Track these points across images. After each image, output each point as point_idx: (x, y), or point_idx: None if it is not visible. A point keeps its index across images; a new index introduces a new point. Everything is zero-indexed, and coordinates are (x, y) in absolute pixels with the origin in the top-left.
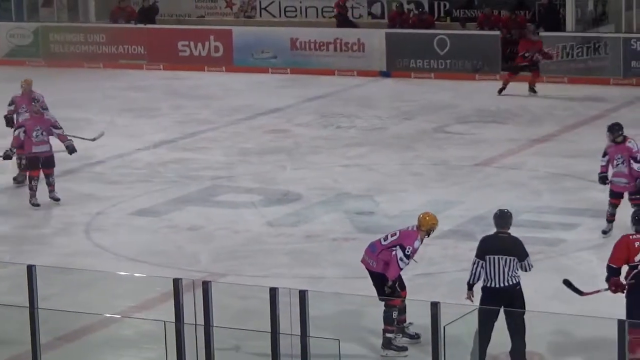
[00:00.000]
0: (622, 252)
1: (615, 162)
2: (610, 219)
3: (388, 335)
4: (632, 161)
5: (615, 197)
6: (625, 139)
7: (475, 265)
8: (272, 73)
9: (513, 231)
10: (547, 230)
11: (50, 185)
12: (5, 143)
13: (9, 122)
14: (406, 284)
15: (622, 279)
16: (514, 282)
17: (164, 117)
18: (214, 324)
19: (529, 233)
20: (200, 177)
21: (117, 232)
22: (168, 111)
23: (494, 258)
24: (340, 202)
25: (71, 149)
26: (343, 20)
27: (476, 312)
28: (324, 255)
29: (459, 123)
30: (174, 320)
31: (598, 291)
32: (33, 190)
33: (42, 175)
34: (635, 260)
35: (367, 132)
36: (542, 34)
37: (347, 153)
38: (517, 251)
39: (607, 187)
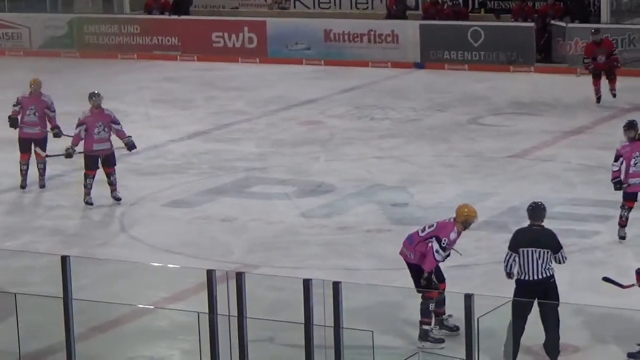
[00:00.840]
0: None
1: (633, 160)
2: (624, 223)
3: (425, 327)
4: None
5: (631, 199)
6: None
7: (507, 257)
8: (305, 64)
9: (547, 223)
10: (581, 222)
11: (112, 184)
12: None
13: (14, 122)
14: None
15: None
16: (548, 274)
17: (198, 109)
18: (248, 316)
19: (562, 225)
20: (233, 168)
21: (151, 223)
22: (202, 102)
23: (527, 251)
24: (374, 193)
25: (131, 145)
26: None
27: (510, 304)
28: (357, 246)
29: (493, 115)
30: (208, 312)
31: (633, 285)
32: (88, 188)
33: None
34: None
35: (400, 124)
36: (571, 25)
37: (380, 144)
38: (551, 243)
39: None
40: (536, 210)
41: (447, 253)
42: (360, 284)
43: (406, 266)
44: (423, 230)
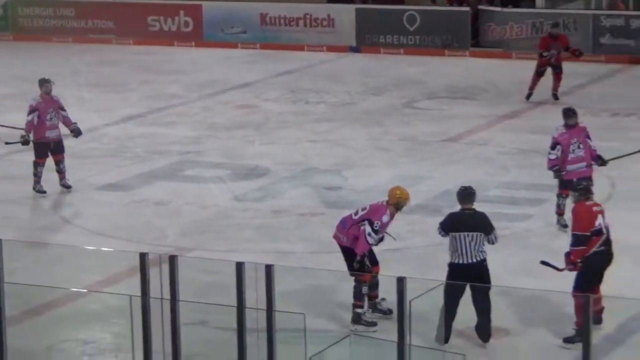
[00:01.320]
0: (584, 219)
1: (571, 147)
2: (562, 212)
3: (357, 310)
4: (588, 140)
5: (567, 187)
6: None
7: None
8: (241, 48)
9: (481, 207)
10: (514, 206)
11: (61, 172)
12: None
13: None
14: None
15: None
16: (481, 258)
17: (133, 92)
18: (180, 299)
19: (496, 209)
20: (168, 152)
21: (85, 207)
22: (137, 86)
23: (461, 235)
24: (308, 177)
25: (77, 132)
26: None
27: (442, 288)
28: (291, 230)
29: (428, 99)
30: (140, 295)
31: (561, 269)
32: (38, 177)
33: None
34: (596, 225)
35: (335, 108)
36: (506, 10)
37: (315, 128)
38: (483, 226)
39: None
40: (466, 194)
41: (380, 236)
42: (293, 267)
43: (339, 250)
44: (356, 213)
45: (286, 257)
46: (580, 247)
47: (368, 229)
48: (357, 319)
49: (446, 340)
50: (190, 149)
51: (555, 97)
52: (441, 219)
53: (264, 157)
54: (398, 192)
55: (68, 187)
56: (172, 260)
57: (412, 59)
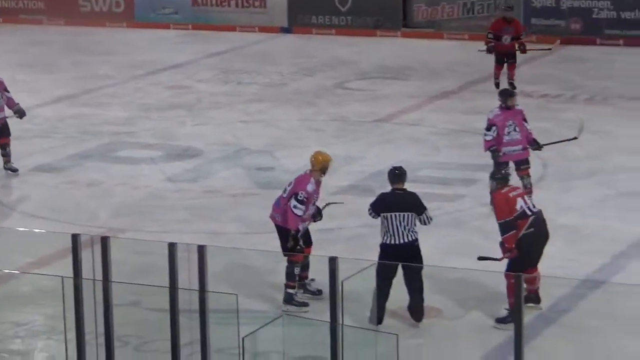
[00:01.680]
0: (504, 207)
1: (506, 129)
2: None
3: (289, 290)
4: (525, 123)
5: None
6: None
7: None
8: (173, 29)
9: (412, 187)
10: (446, 186)
11: (7, 155)
12: None
13: None
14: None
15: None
16: (413, 238)
17: (64, 73)
18: (113, 280)
19: (427, 189)
20: (100, 133)
21: (17, 188)
22: (68, 67)
23: (392, 215)
24: (240, 157)
25: (22, 113)
26: None
27: (374, 268)
28: (223, 210)
29: (360, 79)
30: (73, 276)
31: (499, 259)
32: None
33: None
34: (518, 209)
35: (267, 88)
36: None
37: (247, 109)
38: (414, 205)
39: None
40: (396, 174)
41: (313, 209)
42: (225, 247)
43: (273, 230)
44: (285, 191)
45: (218, 237)
46: (510, 233)
47: (293, 202)
48: (289, 300)
49: (380, 321)
50: (122, 130)
51: (512, 86)
52: (373, 199)
53: (196, 138)
54: (320, 156)
55: (14, 170)
56: (104, 241)
57: (343, 39)
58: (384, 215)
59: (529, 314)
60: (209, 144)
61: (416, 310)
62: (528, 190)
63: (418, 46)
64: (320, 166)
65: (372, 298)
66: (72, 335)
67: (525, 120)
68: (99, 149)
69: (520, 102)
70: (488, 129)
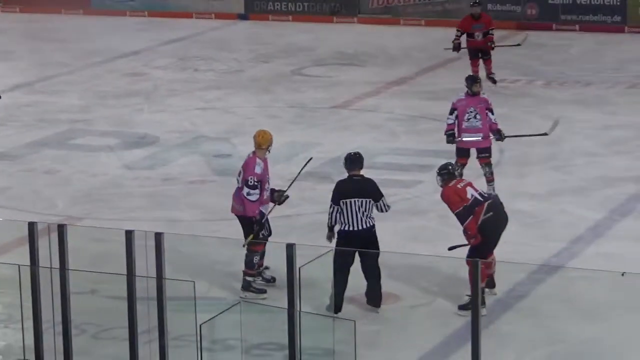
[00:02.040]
0: (455, 199)
1: (466, 116)
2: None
3: (248, 278)
4: (489, 113)
5: (463, 155)
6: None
7: (331, 210)
8: (129, 16)
9: (370, 173)
10: (404, 172)
11: None
12: None
13: None
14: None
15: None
16: (370, 224)
17: (21, 60)
18: (70, 268)
19: (385, 175)
20: (57, 121)
21: None
22: (24, 54)
23: (349, 202)
24: (198, 144)
25: None
26: None
27: (331, 255)
28: (180, 198)
29: (317, 65)
30: (30, 264)
31: (466, 245)
32: None
33: None
34: (470, 197)
35: (224, 75)
36: None
37: (204, 96)
38: (372, 192)
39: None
40: (353, 160)
41: (267, 190)
42: (182, 235)
43: (231, 217)
44: (238, 181)
45: (176, 225)
46: (469, 220)
47: (245, 189)
48: (247, 286)
49: (339, 309)
50: (79, 118)
51: (493, 80)
52: (330, 185)
53: (153, 125)
54: (259, 136)
55: None
56: (61, 229)
57: (300, 25)
58: (342, 202)
59: (487, 299)
60: (166, 132)
61: (374, 296)
62: (488, 179)
63: (375, 32)
64: (268, 144)
65: (332, 287)
66: (29, 323)
67: (489, 109)
68: (56, 136)
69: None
70: (450, 112)
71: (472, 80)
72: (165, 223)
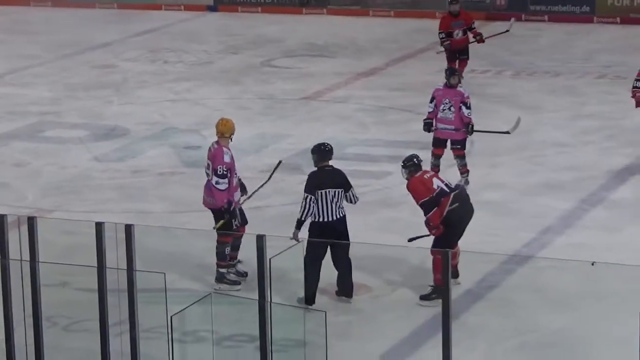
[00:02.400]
0: (421, 189)
1: (442, 106)
2: (435, 170)
3: (221, 270)
4: (462, 107)
5: (438, 145)
6: (457, 84)
7: (306, 201)
8: (99, 8)
9: (340, 164)
10: (374, 163)
11: None
12: None
13: None
14: None
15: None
16: (342, 215)
17: None
18: (40, 260)
19: (355, 166)
20: (26, 113)
21: None
22: None
23: (324, 192)
24: (168, 136)
25: None
26: None
27: (301, 245)
28: (151, 190)
29: (286, 57)
30: None
31: (427, 235)
32: None
33: None
34: (436, 188)
35: (194, 67)
36: None
37: (174, 88)
38: (342, 182)
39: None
40: (325, 152)
41: (236, 178)
42: (153, 226)
43: (202, 209)
44: (207, 174)
45: (146, 217)
46: (433, 211)
47: (215, 178)
48: (220, 278)
49: (312, 302)
50: (48, 110)
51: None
52: (300, 177)
53: (123, 117)
54: (219, 125)
55: None
56: (32, 221)
57: (270, 17)
58: (318, 192)
59: (456, 290)
60: (136, 123)
61: (345, 287)
62: (461, 170)
63: (344, 23)
64: (230, 132)
65: (305, 279)
66: None
67: (464, 103)
68: (25, 129)
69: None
70: (430, 101)
71: (450, 73)
72: (135, 215)
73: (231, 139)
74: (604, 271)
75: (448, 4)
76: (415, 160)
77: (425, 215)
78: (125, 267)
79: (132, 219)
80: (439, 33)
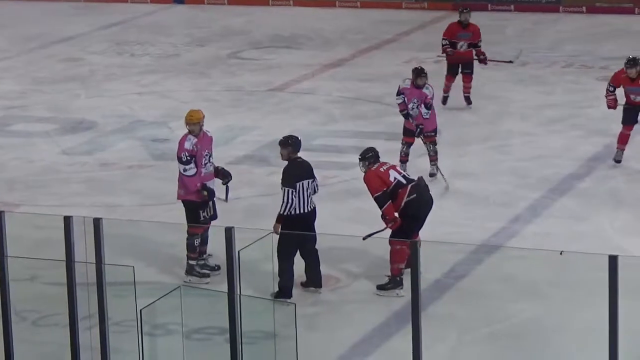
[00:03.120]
0: (376, 182)
1: (410, 104)
2: (404, 159)
3: (191, 262)
4: (422, 106)
5: (409, 135)
6: (424, 84)
7: (288, 195)
8: (65, 1)
9: (308, 156)
10: (342, 154)
11: None
12: None
13: None
14: None
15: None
16: (314, 205)
17: None
18: (9, 255)
19: (324, 157)
20: None
21: None
22: None
23: (302, 184)
24: (135, 129)
25: None
26: None
27: (269, 237)
28: (119, 183)
29: (253, 49)
30: None
31: (383, 230)
32: None
33: None
34: (392, 180)
35: (161, 59)
36: None
37: (141, 80)
38: (312, 173)
39: (397, 103)
40: (297, 143)
41: (206, 166)
42: (121, 220)
43: (170, 202)
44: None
45: (115, 210)
46: (387, 204)
47: (180, 167)
48: (190, 271)
49: (290, 295)
50: (15, 104)
51: (469, 100)
52: (268, 169)
53: (90, 110)
54: (189, 112)
55: None
56: None
57: (236, 9)
58: (298, 184)
59: (425, 280)
60: (103, 117)
61: (314, 278)
62: (432, 158)
63: (310, 14)
64: (194, 120)
65: (279, 273)
66: None
67: (426, 104)
68: None
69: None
70: (397, 94)
71: (417, 73)
72: (103, 208)
73: (201, 127)
74: (572, 260)
75: (459, 12)
76: (371, 152)
77: (380, 208)
78: (94, 261)
79: (101, 213)
80: (443, 39)
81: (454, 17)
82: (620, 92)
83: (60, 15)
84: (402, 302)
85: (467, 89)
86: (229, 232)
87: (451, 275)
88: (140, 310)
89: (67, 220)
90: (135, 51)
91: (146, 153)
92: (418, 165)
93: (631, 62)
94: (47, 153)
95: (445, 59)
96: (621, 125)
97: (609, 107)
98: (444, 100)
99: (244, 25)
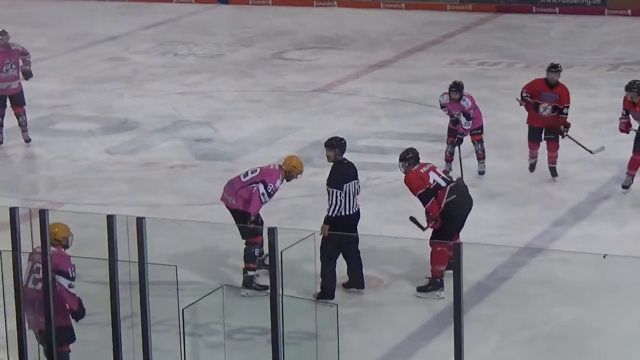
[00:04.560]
0: (418, 183)
1: (454, 114)
2: (449, 158)
3: (250, 273)
4: (462, 117)
5: (454, 135)
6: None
7: (336, 197)
8: (109, 0)
9: (352, 157)
10: (385, 155)
11: (22, 125)
12: None
13: None
14: None
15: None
16: (358, 206)
17: None
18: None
19: (367, 158)
20: (37, 106)
21: None
22: None
23: (349, 185)
24: (179, 129)
25: (28, 74)
26: None
27: (312, 237)
28: (162, 182)
29: (297, 49)
30: (11, 250)
31: (425, 228)
32: None
33: None
34: (431, 182)
35: (205, 59)
36: None
37: (185, 80)
38: (357, 175)
39: (444, 112)
40: (343, 145)
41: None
42: (164, 219)
43: (213, 202)
44: (245, 175)
45: (157, 209)
46: (432, 201)
47: (262, 189)
48: (248, 283)
49: (332, 296)
50: (59, 103)
51: (554, 172)
52: (312, 169)
53: (134, 110)
54: (294, 162)
55: (28, 140)
56: (43, 214)
57: (280, 9)
58: (346, 185)
59: (467, 283)
60: (147, 116)
61: (356, 279)
62: (479, 156)
63: (355, 16)
64: (287, 168)
65: (321, 275)
66: (10, 309)
67: (466, 115)
68: (36, 122)
69: (458, 70)
70: (441, 107)
71: (449, 90)
72: (146, 208)
73: (286, 178)
74: (616, 263)
75: (547, 69)
76: (411, 153)
77: (423, 206)
78: (137, 260)
79: (143, 212)
80: (522, 92)
81: (498, 20)
82: None
83: (103, 14)
84: (443, 304)
85: (552, 159)
86: (271, 233)
87: (493, 278)
88: (183, 310)
89: (110, 219)
90: (179, 51)
91: (189, 153)
92: (466, 165)
93: (631, 86)
94: (90, 152)
95: (520, 103)
96: None
97: (621, 130)
98: (531, 168)
99: (288, 25)
